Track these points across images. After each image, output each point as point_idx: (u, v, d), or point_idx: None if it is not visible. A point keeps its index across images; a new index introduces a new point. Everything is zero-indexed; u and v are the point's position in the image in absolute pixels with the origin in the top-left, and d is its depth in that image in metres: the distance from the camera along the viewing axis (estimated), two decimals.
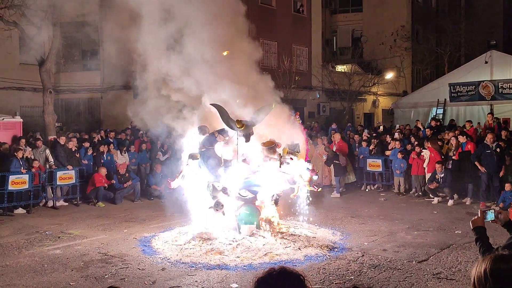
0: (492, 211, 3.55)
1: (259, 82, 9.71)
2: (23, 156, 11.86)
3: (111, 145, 13.99)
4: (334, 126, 19.48)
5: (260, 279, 2.06)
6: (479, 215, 3.53)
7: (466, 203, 12.03)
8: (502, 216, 3.48)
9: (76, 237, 9.14)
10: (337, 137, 14.40)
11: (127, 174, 13.25)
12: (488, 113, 17.32)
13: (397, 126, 19.47)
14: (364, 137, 15.52)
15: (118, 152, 14.12)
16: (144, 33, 9.28)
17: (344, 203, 12.55)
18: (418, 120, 19.61)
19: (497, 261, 2.09)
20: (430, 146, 12.90)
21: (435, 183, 12.23)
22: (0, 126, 13.22)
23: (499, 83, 19.35)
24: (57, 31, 15.09)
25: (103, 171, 12.73)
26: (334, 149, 13.87)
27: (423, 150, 12.98)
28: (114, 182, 12.90)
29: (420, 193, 13.13)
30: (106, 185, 12.66)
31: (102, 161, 13.38)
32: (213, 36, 9.10)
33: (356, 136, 16.06)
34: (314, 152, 14.40)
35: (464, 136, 12.84)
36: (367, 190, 14.46)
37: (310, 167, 9.21)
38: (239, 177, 8.66)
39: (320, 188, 9.76)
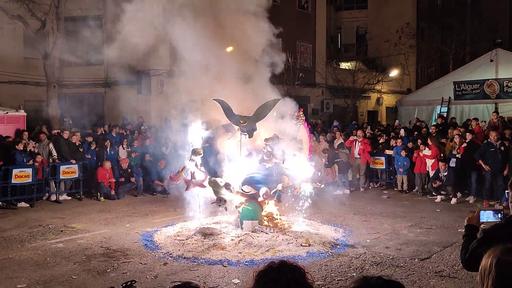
0: (490, 212, 3.49)
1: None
2: (26, 149, 11.88)
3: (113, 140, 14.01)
4: (336, 123, 19.43)
5: (260, 272, 2.05)
6: (475, 214, 3.50)
7: (470, 202, 11.98)
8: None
9: (79, 231, 9.17)
10: (359, 133, 14.23)
11: (129, 170, 13.25)
12: (493, 112, 17.23)
13: (398, 123, 19.57)
14: (367, 135, 15.47)
15: (120, 146, 14.15)
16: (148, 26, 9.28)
17: (346, 200, 12.52)
18: (417, 118, 19.58)
19: (504, 253, 2.07)
20: (431, 143, 12.87)
21: (438, 182, 12.19)
22: (4, 120, 13.26)
23: (504, 82, 19.23)
24: (61, 25, 15.11)
25: (108, 165, 12.72)
26: (358, 147, 13.76)
27: (425, 148, 12.91)
28: (123, 180, 12.90)
29: (421, 191, 13.09)
30: (109, 181, 12.64)
31: (105, 155, 13.38)
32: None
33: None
34: (317, 149, 14.35)
35: (471, 134, 12.77)
36: (370, 187, 14.41)
37: (313, 163, 9.18)
38: (242, 173, 8.65)
39: (323, 185, 9.74)
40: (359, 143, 13.92)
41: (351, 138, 14.36)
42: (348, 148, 14.20)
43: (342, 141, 14.56)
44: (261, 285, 2.03)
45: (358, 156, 13.97)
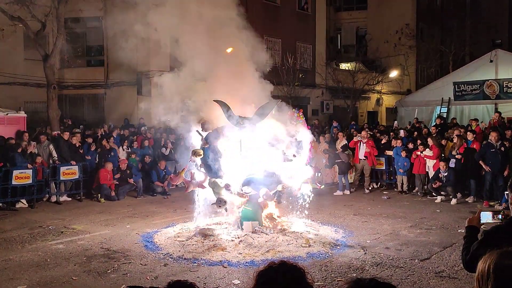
0: (490, 213, 3.49)
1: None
2: (26, 150, 11.89)
3: (111, 138, 14.01)
4: (335, 124, 19.43)
5: (260, 272, 2.06)
6: (475, 215, 3.50)
7: (470, 202, 11.99)
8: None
9: (79, 232, 9.17)
10: (364, 134, 14.02)
11: (128, 171, 13.23)
12: (496, 112, 17.24)
13: (397, 124, 19.62)
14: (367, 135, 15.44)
15: (120, 148, 14.17)
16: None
17: (346, 201, 12.53)
18: (416, 118, 19.60)
19: (501, 257, 2.07)
20: (432, 143, 12.86)
21: (438, 182, 12.20)
22: (4, 121, 13.26)
23: (504, 82, 19.25)
24: (61, 27, 15.12)
25: (109, 166, 12.72)
26: (364, 149, 13.64)
27: (426, 149, 12.90)
28: (118, 176, 12.90)
29: (422, 192, 13.07)
30: (111, 182, 12.62)
31: (108, 156, 13.38)
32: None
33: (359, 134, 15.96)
34: (317, 149, 14.34)
35: (472, 134, 12.78)
36: (370, 188, 14.39)
37: (313, 164, 9.19)
38: (242, 174, 8.65)
39: (323, 186, 9.74)
40: (364, 145, 13.76)
41: (355, 139, 14.23)
42: (351, 149, 14.14)
43: (346, 142, 14.50)
44: (261, 285, 2.04)
45: (364, 158, 13.76)
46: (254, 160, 8.64)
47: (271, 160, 8.63)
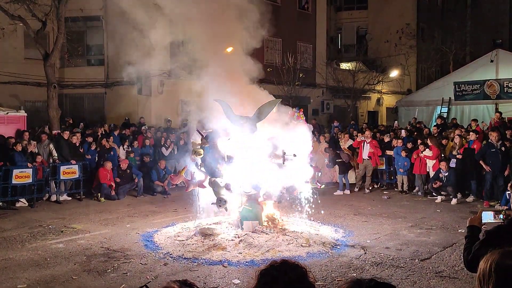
0: (492, 213, 3.49)
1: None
2: (26, 149, 11.88)
3: (111, 138, 14.01)
4: (336, 123, 19.43)
5: (262, 271, 2.05)
6: (477, 215, 3.50)
7: (470, 202, 11.98)
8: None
9: (79, 231, 9.17)
10: (368, 134, 13.93)
11: (128, 171, 13.22)
12: (496, 112, 17.22)
13: (397, 124, 19.59)
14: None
15: (121, 147, 14.16)
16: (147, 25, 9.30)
17: (347, 200, 12.53)
18: (415, 118, 19.60)
19: (503, 256, 2.06)
20: (432, 143, 12.85)
21: (439, 182, 12.19)
22: (5, 120, 13.26)
23: (505, 82, 19.25)
24: (61, 26, 15.11)
25: (109, 165, 12.70)
26: (367, 149, 13.57)
27: (425, 149, 12.88)
28: (118, 180, 12.89)
29: (422, 192, 13.04)
30: (111, 183, 12.61)
31: (107, 155, 13.37)
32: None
33: (359, 134, 15.95)
34: (318, 149, 14.33)
35: (475, 134, 12.77)
36: (370, 188, 14.38)
37: (313, 164, 9.18)
38: (242, 173, 8.64)
39: (323, 185, 9.73)
40: (368, 145, 13.69)
41: (359, 138, 14.19)
42: (355, 149, 14.10)
43: (352, 142, 14.45)
44: (263, 284, 2.03)
45: (367, 158, 13.70)
46: (254, 160, 8.63)
47: (271, 160, 8.63)
